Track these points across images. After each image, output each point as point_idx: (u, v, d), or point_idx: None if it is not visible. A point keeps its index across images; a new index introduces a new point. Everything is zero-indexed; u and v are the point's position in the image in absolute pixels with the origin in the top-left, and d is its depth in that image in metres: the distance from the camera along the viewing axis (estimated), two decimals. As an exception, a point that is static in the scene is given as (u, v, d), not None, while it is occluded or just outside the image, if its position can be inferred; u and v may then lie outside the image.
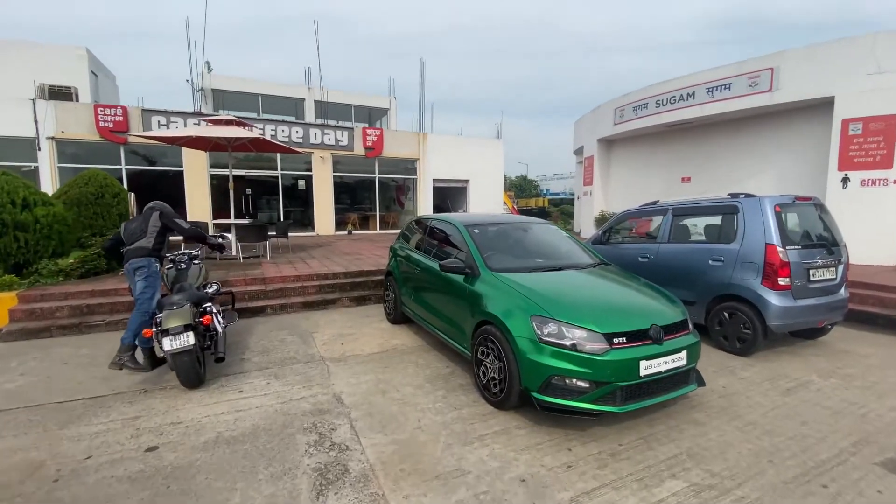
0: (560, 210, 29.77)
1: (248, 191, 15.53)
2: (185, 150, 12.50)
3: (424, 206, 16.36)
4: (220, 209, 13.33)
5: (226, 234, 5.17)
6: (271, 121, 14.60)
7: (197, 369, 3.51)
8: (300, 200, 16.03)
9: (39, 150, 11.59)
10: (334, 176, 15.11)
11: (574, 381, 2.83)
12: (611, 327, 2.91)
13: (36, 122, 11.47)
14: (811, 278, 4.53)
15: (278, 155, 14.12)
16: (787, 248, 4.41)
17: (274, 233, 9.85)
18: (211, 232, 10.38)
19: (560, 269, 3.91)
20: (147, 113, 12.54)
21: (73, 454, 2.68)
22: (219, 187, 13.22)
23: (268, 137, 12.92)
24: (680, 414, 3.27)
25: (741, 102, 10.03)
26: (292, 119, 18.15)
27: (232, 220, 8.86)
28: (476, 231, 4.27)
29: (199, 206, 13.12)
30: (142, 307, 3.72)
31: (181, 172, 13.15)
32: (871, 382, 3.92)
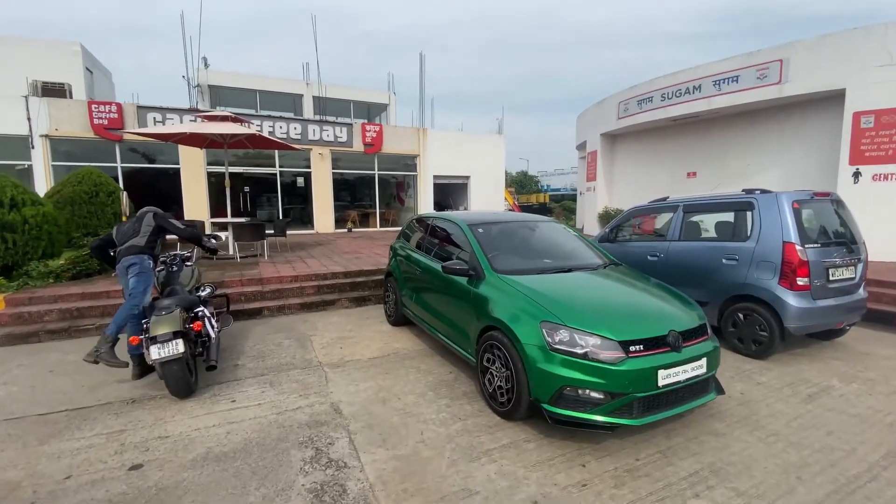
0: (562, 206, 29.52)
1: (247, 188, 15.34)
2: (181, 147, 12.28)
3: (425, 203, 16.14)
4: (217, 207, 13.16)
5: (219, 235, 4.97)
6: (269, 117, 14.37)
7: (187, 378, 3.32)
8: (299, 198, 15.83)
9: (33, 148, 11.38)
10: (333, 173, 14.89)
11: (588, 392, 2.64)
12: (626, 334, 2.72)
13: (29, 119, 11.25)
14: (831, 278, 4.34)
15: (276, 152, 13.90)
16: (806, 246, 4.21)
17: (272, 231, 9.67)
18: (208, 230, 10.25)
19: (569, 270, 3.72)
20: (142, 110, 12.30)
21: (51, 473, 2.51)
22: (216, 185, 13.01)
23: (265, 134, 12.77)
24: (698, 424, 3.08)
25: (749, 95, 9.78)
26: (290, 115, 17.90)
27: (229, 219, 8.67)
28: (480, 230, 4.07)
29: (196, 204, 12.93)
30: (133, 300, 3.57)
31: (178, 170, 12.94)
32: (894, 387, 3.73)
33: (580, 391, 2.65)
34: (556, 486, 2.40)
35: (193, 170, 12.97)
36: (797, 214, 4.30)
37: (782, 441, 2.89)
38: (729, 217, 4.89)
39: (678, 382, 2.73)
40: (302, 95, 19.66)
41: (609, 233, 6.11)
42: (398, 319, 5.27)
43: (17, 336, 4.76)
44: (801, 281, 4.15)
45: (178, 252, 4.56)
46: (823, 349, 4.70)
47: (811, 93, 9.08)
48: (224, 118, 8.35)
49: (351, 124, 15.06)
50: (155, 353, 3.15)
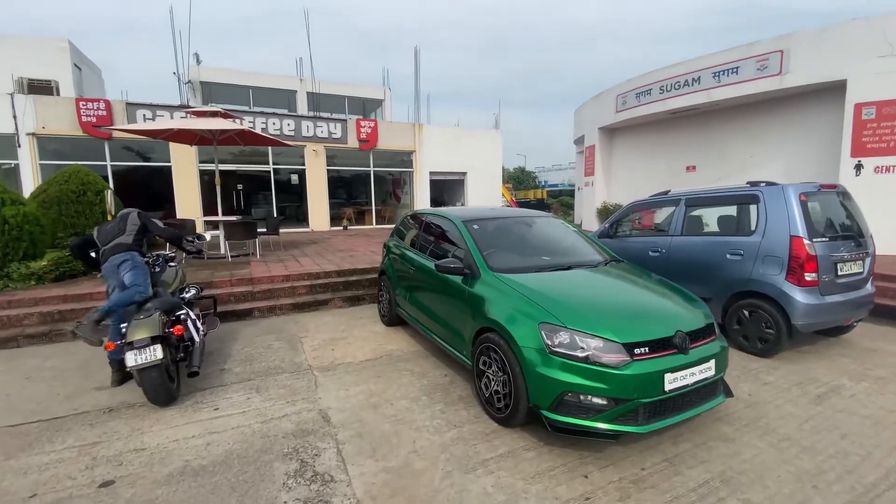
0: (559, 202, 29.37)
1: (240, 186, 15.10)
2: (172, 145, 12.06)
3: (421, 199, 15.95)
4: (211, 206, 12.93)
5: (203, 236, 4.78)
6: (261, 113, 14.12)
7: (167, 386, 3.15)
8: (294, 196, 15.61)
9: (19, 146, 11.13)
10: (328, 170, 14.68)
11: (590, 397, 2.48)
12: (631, 336, 2.56)
13: (15, 117, 10.99)
14: (839, 273, 4.19)
15: (270, 149, 13.68)
16: (814, 240, 4.05)
17: (264, 230, 9.46)
18: (200, 229, 10.02)
19: (568, 267, 3.55)
20: (132, 107, 12.06)
21: (16, 491, 2.33)
22: (209, 183, 12.75)
23: (258, 130, 12.54)
24: (706, 428, 2.93)
25: (749, 87, 9.61)
26: (284, 111, 17.64)
27: (220, 217, 8.46)
28: (475, 227, 3.89)
29: (188, 202, 12.70)
30: (137, 289, 3.49)
31: (169, 168, 12.71)
32: (906, 386, 3.60)
33: (582, 397, 2.49)
34: (557, 500, 2.24)
35: (185, 168, 12.74)
36: (804, 207, 4.14)
37: (795, 446, 2.75)
38: (732, 211, 4.73)
39: (686, 386, 2.57)
40: (296, 92, 19.40)
41: (609, 228, 5.95)
42: (392, 319, 5.10)
43: (-5, 341, 4.56)
44: (809, 276, 3.99)
45: (162, 252, 4.37)
46: (830, 346, 4.56)
47: (812, 84, 8.92)
48: (213, 114, 8.12)
49: (345, 120, 14.84)
50: (131, 359, 2.97)
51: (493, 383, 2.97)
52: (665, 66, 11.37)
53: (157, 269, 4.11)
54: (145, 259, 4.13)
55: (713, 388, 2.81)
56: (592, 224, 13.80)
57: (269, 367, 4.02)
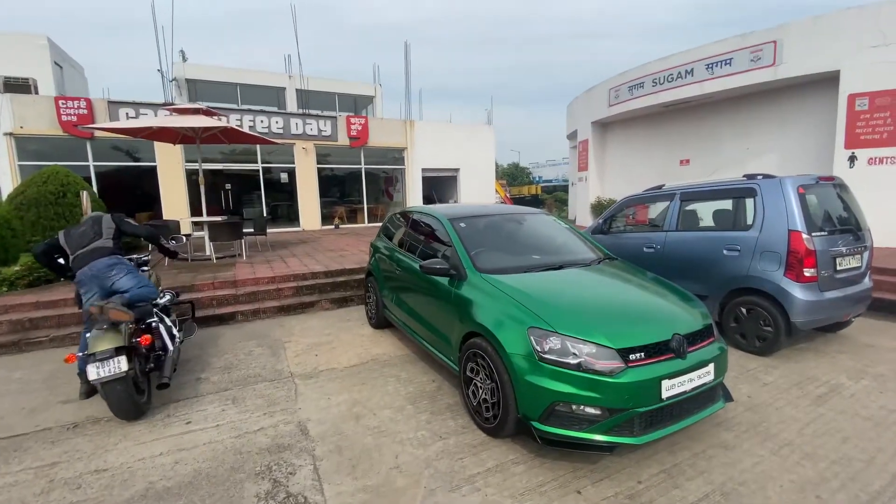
0: (554, 197, 29.24)
1: (228, 186, 14.81)
2: (157, 144, 11.75)
3: (413, 197, 15.74)
4: (198, 206, 12.63)
5: (181, 237, 4.58)
6: (249, 111, 13.83)
7: (133, 399, 2.95)
8: (285, 195, 15.33)
9: (-4, 147, 10.78)
10: (319, 168, 14.42)
11: (583, 407, 2.32)
12: (626, 340, 2.40)
13: (-9, 117, 10.64)
14: (838, 268, 4.06)
15: (258, 147, 13.40)
16: (813, 234, 3.92)
17: (251, 230, 9.24)
18: (186, 230, 9.77)
19: (560, 267, 3.38)
20: (114, 105, 11.73)
21: (-39, 521, 2.15)
22: (196, 183, 12.50)
23: (245, 128, 12.25)
24: (705, 435, 2.79)
25: (743, 78, 9.49)
26: (273, 109, 17.33)
27: (204, 218, 8.23)
28: (462, 225, 3.71)
29: (175, 203, 12.41)
30: (149, 289, 3.55)
31: (155, 168, 12.40)
32: (906, 384, 3.49)
33: (574, 407, 2.33)
34: (547, 519, 2.08)
35: (171, 167, 12.44)
36: (803, 200, 4.01)
37: (797, 452, 2.61)
38: (729, 205, 4.59)
39: (684, 393, 2.42)
40: (284, 89, 19.10)
41: (602, 224, 5.80)
42: (380, 322, 4.92)
43: (-40, 352, 4.34)
44: (808, 272, 3.86)
45: (134, 256, 4.16)
46: (828, 342, 4.45)
47: (806, 75, 8.81)
48: (195, 111, 7.87)
49: (335, 117, 14.57)
50: (93, 372, 2.78)
51: (481, 391, 2.81)
52: (658, 59, 11.22)
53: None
54: None
55: (712, 394, 2.66)
56: (587, 219, 13.68)
57: (248, 375, 3.83)
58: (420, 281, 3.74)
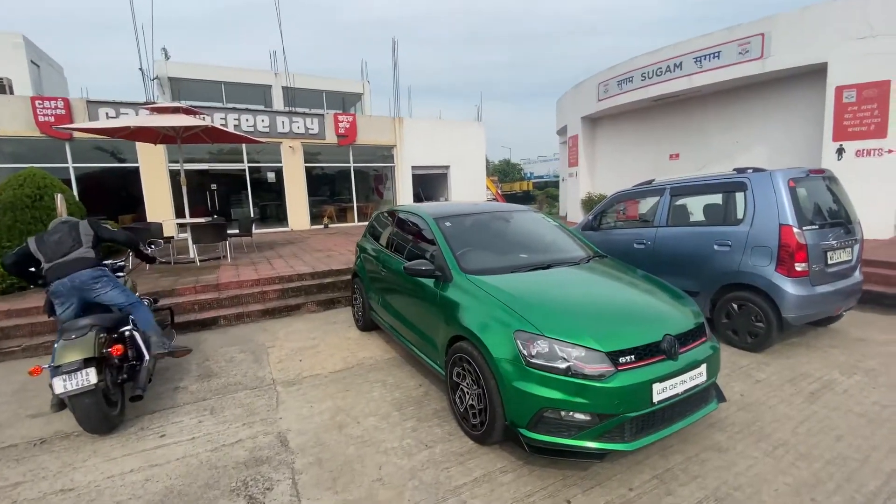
0: (545, 193, 29.24)
1: (214, 186, 14.53)
2: (139, 144, 11.46)
3: (404, 195, 15.58)
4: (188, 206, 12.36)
5: (159, 241, 4.41)
6: (234, 109, 13.54)
7: (104, 412, 2.81)
8: (273, 194, 15.07)
9: (-30, 149, 10.45)
10: (307, 167, 14.20)
11: (572, 413, 2.23)
12: (616, 343, 2.31)
13: (-37, 118, 10.30)
14: (829, 262, 4.02)
15: (244, 146, 13.16)
16: (804, 228, 3.87)
17: (236, 231, 9.05)
18: (169, 232, 9.54)
19: (548, 266, 3.28)
20: (93, 105, 11.41)
21: (-89, 551, 2.00)
22: (181, 184, 12.24)
23: (230, 127, 12.01)
24: (697, 437, 2.72)
25: (731, 71, 9.45)
26: (259, 107, 17.04)
27: (187, 220, 8.02)
28: (447, 224, 3.60)
29: (159, 204, 12.14)
30: (140, 311, 3.44)
31: (137, 169, 12.12)
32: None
33: (563, 413, 2.24)
34: (536, 533, 1.99)
35: (154, 168, 12.16)
36: (793, 194, 3.95)
37: (791, 453, 2.55)
38: (719, 199, 4.53)
39: (676, 396, 2.34)
40: (271, 87, 18.80)
41: (592, 220, 5.72)
42: (367, 324, 4.81)
43: (-74, 364, 4.15)
44: (799, 266, 3.81)
45: (108, 262, 3.99)
46: (819, 337, 4.42)
47: (794, 67, 8.79)
48: (175, 109, 7.65)
49: (322, 115, 14.34)
50: (59, 385, 2.63)
51: (468, 397, 2.71)
52: (646, 53, 11.16)
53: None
54: None
55: (705, 395, 2.58)
56: (577, 215, 13.62)
57: (228, 383, 3.70)
58: (405, 282, 3.63)
